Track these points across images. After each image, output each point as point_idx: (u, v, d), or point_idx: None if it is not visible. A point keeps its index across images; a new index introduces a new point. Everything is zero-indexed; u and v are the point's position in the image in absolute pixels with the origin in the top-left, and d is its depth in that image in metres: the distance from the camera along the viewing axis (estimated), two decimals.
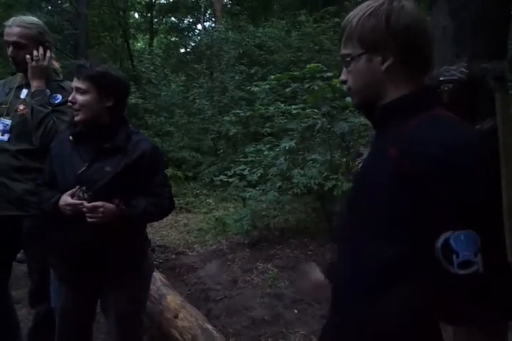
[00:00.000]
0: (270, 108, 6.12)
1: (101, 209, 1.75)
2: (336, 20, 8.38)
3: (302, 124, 4.84)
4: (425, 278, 0.92)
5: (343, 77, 1.10)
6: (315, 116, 4.70)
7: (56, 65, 2.43)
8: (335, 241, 1.18)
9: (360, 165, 1.21)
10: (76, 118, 1.85)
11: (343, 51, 1.07)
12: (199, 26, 18.40)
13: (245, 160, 5.66)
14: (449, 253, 0.86)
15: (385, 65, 1.02)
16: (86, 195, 1.79)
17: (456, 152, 0.88)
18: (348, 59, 1.06)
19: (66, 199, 1.79)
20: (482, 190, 0.88)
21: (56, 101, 2.25)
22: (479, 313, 0.89)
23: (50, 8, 13.28)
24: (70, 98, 1.84)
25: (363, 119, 4.02)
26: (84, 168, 1.84)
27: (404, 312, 0.95)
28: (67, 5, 13.34)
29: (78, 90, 1.84)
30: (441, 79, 2.03)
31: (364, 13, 1.03)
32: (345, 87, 1.14)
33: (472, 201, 0.87)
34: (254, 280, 3.83)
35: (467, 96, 2.00)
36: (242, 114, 6.95)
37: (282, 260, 4.14)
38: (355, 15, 1.05)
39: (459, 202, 0.87)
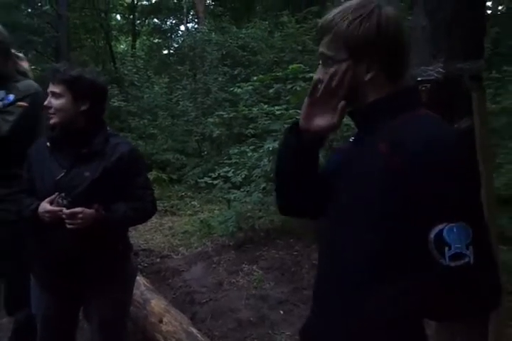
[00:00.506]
0: (253, 109, 6.10)
1: (80, 216, 1.74)
2: (319, 20, 8.34)
3: (286, 125, 4.85)
4: (415, 272, 0.93)
5: (318, 76, 1.08)
6: (298, 117, 4.70)
7: (24, 65, 2.39)
8: (318, 241, 1.17)
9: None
10: (51, 122, 1.85)
11: (326, 52, 1.07)
12: (182, 27, 18.34)
13: (229, 161, 5.64)
14: (441, 246, 0.88)
15: (370, 74, 1.03)
16: (65, 202, 1.78)
17: (443, 149, 0.91)
18: (330, 61, 1.06)
19: (45, 206, 1.78)
20: (471, 184, 0.93)
21: (8, 102, 2.21)
22: (468, 305, 0.91)
23: (29, 10, 13.09)
24: (45, 102, 1.83)
25: (346, 119, 4.03)
26: (62, 174, 1.83)
27: (392, 309, 0.95)
28: (47, 7, 13.19)
29: (53, 94, 1.84)
30: (418, 79, 2.05)
31: (354, 19, 1.02)
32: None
33: (463, 194, 0.90)
34: (240, 282, 3.82)
35: (444, 96, 2.02)
36: (225, 116, 6.94)
37: (268, 261, 4.14)
38: (342, 17, 1.04)
39: (451, 196, 0.89)
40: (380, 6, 1.03)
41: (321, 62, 1.09)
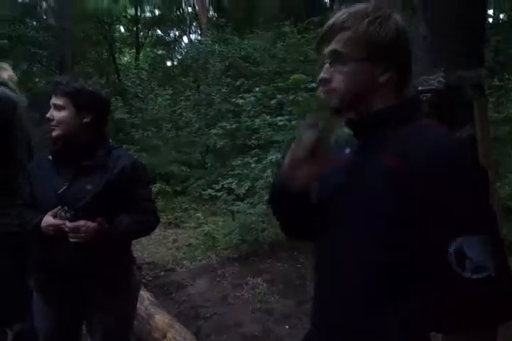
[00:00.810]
0: (256, 120, 6.10)
1: (83, 229, 1.74)
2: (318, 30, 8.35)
3: (289, 136, 4.83)
4: (426, 286, 0.92)
5: (325, 76, 1.05)
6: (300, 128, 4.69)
7: (5, 74, 2.45)
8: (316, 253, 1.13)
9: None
10: (53, 134, 1.85)
11: (342, 49, 1.03)
12: (185, 39, 18.47)
13: (233, 173, 5.63)
14: (462, 259, 0.87)
15: (385, 76, 1.02)
16: (68, 215, 1.77)
17: (451, 160, 0.90)
18: (345, 59, 1.03)
19: (48, 219, 1.78)
20: (483, 194, 0.91)
21: None
22: (481, 317, 0.89)
23: (34, 23, 13.24)
24: (47, 115, 1.84)
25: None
26: (65, 187, 1.83)
27: (405, 326, 0.94)
28: (52, 20, 13.32)
29: (55, 107, 1.84)
30: (420, 88, 2.04)
31: (375, 19, 1.02)
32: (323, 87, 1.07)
33: (482, 206, 0.90)
34: (245, 296, 3.79)
35: (446, 105, 2.00)
36: (228, 127, 6.94)
37: (272, 274, 4.11)
38: (360, 17, 1.02)
39: (466, 208, 0.88)
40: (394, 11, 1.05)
41: (329, 61, 1.06)
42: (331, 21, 1.06)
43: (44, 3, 13.62)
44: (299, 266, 4.20)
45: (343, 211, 1.05)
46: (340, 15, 1.05)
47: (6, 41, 10.83)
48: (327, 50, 1.06)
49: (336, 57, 1.04)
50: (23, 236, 2.08)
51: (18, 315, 2.26)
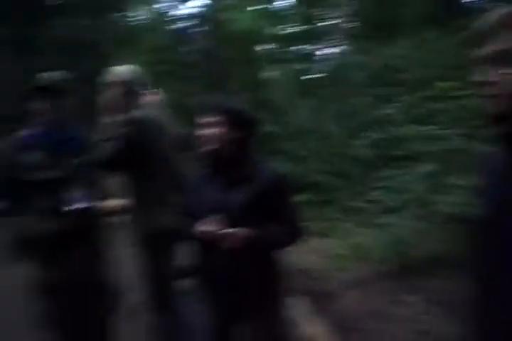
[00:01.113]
0: (404, 129, 5.94)
1: (234, 236, 1.92)
2: (466, 34, 7.76)
3: (440, 146, 4.64)
4: None
5: (490, 78, 1.00)
6: (454, 137, 4.48)
7: (149, 99, 2.93)
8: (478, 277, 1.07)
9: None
10: (206, 149, 2.06)
11: (509, 48, 0.98)
12: (326, 50, 18.59)
13: (381, 184, 5.53)
14: None
15: None
16: (220, 222, 1.96)
17: None
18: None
19: (203, 227, 1.98)
20: None
21: None
22: None
23: (186, 48, 14.55)
24: (200, 132, 2.07)
25: None
26: (217, 198, 2.04)
27: None
28: (201, 43, 14.48)
29: (208, 124, 2.04)
30: None
31: None
32: (485, 93, 1.01)
33: None
34: (398, 313, 3.65)
35: None
36: (374, 137, 6.84)
37: (428, 292, 3.87)
38: None
39: None
40: None
41: (493, 62, 1.00)
42: (488, 22, 1.01)
43: (194, 29, 14.91)
44: (459, 285, 3.90)
45: (503, 228, 1.04)
46: (498, 15, 1.00)
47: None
48: (489, 51, 1.01)
49: (502, 58, 0.98)
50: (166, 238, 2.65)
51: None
